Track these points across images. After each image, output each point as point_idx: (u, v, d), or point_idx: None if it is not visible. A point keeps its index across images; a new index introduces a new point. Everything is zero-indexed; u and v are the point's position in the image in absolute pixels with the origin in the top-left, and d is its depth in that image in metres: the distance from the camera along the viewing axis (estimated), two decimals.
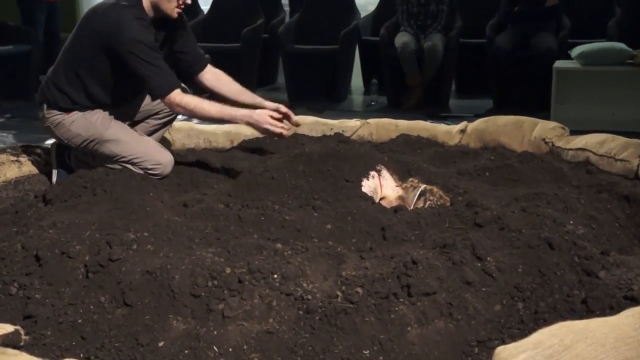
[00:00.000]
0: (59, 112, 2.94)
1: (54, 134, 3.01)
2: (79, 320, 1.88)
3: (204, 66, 3.15)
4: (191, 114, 2.96)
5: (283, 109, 3.02)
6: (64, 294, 1.99)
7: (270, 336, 1.79)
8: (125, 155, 2.93)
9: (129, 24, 2.76)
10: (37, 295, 1.98)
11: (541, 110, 5.11)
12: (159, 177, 2.94)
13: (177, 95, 2.82)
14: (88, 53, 2.87)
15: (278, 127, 2.85)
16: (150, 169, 2.93)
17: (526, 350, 1.45)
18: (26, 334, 1.81)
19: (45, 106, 2.95)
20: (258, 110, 2.89)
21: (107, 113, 2.99)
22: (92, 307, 1.92)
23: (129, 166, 2.93)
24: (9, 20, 7.05)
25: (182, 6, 2.89)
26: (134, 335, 1.82)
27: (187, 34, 3.13)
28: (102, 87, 2.92)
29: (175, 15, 2.90)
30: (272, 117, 2.86)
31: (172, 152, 3.19)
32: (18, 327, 1.77)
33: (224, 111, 2.87)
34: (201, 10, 7.30)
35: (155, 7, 2.86)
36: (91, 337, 1.83)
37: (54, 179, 3.11)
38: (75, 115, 2.93)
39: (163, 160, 2.96)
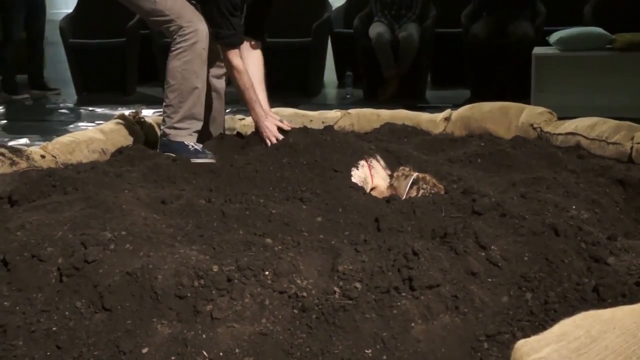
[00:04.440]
0: None
1: None
2: (54, 328, 1.72)
3: (255, 46, 3.32)
4: (231, 75, 3.17)
5: (286, 127, 3.07)
6: (35, 300, 1.83)
7: (263, 338, 1.66)
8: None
9: None
10: (5, 303, 1.81)
11: (520, 98, 5.02)
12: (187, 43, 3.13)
13: (234, 55, 3.09)
14: None
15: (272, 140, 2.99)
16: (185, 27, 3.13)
17: (550, 344, 1.33)
18: None
19: None
20: (270, 120, 3.06)
21: None
22: (67, 313, 1.77)
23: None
24: None
25: None
26: (114, 342, 1.67)
27: (266, 13, 3.36)
28: None
29: None
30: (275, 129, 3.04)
31: (146, 145, 3.05)
32: None
33: (251, 98, 3.12)
34: None
35: None
36: (68, 346, 1.68)
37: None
38: None
39: (195, 19, 3.15)
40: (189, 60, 3.12)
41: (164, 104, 3.18)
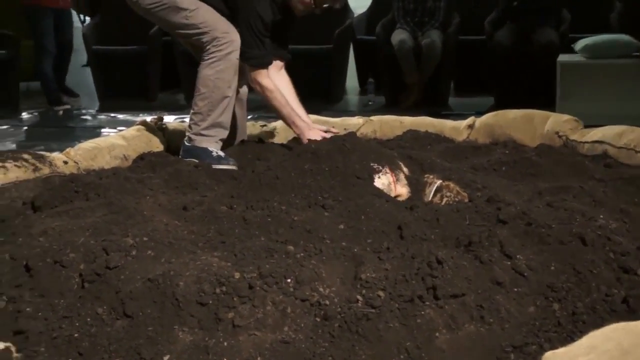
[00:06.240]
0: None
1: None
2: (75, 335, 1.71)
3: (280, 65, 3.44)
4: (264, 96, 3.23)
5: (334, 130, 3.21)
6: (57, 306, 1.83)
7: (285, 346, 1.63)
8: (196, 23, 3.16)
9: None
10: (28, 309, 1.81)
11: (544, 107, 4.95)
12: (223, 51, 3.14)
13: (263, 76, 3.18)
14: None
15: None
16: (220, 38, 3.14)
17: (578, 357, 1.30)
18: (17, 350, 1.64)
19: None
20: (314, 131, 3.14)
21: None
22: (89, 319, 1.76)
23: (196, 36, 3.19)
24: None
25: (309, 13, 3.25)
26: (136, 349, 1.66)
27: (291, 30, 3.46)
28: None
29: (298, 15, 3.29)
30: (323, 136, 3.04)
31: (168, 152, 3.05)
32: (9, 344, 1.61)
33: (289, 113, 3.20)
34: None
35: None
36: (89, 352, 1.67)
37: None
38: None
39: (230, 30, 3.16)
40: (222, 70, 3.12)
41: (192, 110, 3.18)
